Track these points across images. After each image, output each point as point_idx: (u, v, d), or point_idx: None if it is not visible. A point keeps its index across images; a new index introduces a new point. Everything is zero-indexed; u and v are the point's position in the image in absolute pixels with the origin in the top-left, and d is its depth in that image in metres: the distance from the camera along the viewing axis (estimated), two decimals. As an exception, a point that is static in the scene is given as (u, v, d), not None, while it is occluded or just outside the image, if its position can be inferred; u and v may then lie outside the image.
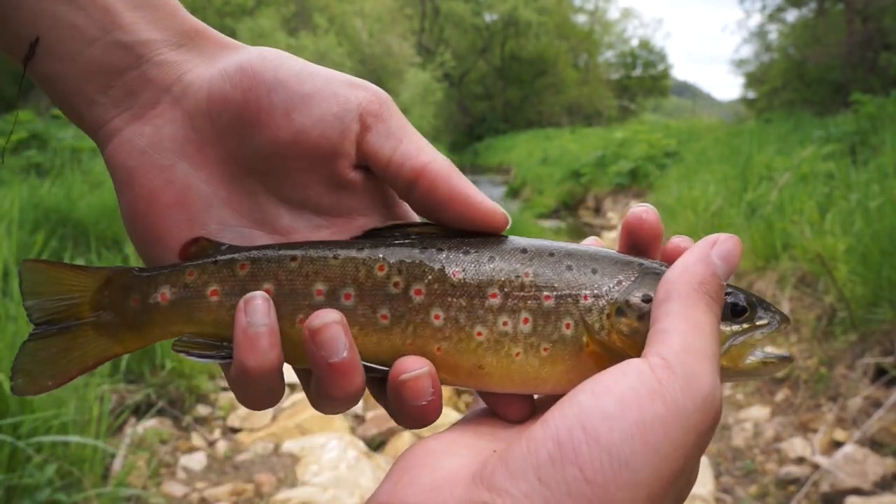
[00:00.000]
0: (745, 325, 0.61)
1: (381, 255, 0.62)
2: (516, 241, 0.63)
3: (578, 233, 11.79)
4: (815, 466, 3.54)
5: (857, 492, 3.25)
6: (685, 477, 0.52)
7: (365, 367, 0.60)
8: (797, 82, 22.04)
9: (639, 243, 0.66)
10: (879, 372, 4.08)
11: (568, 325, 0.60)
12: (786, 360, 0.62)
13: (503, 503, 0.47)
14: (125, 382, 3.95)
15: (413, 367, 0.58)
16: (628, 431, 0.48)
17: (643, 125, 20.97)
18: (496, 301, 0.60)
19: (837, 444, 3.72)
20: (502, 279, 0.60)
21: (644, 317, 0.59)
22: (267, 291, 0.61)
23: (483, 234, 0.63)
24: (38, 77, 0.63)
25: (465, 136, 49.36)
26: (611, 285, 0.61)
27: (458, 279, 0.60)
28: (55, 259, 4.48)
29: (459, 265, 0.61)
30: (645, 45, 56.44)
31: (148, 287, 0.63)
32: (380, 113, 0.63)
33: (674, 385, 0.51)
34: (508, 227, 0.64)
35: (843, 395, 4.12)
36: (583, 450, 0.48)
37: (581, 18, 57.16)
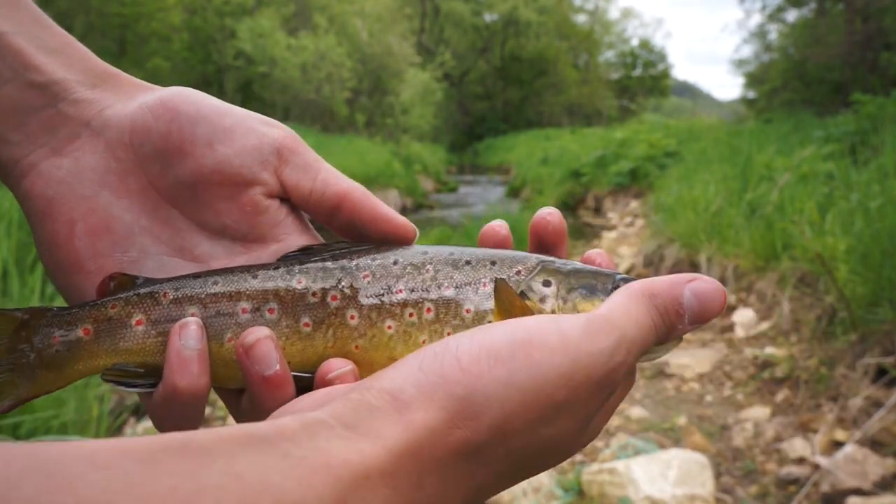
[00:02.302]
0: None
1: (297, 271, 0.67)
2: (419, 247, 0.70)
3: (578, 232, 11.79)
4: (816, 466, 3.54)
5: (858, 492, 3.25)
6: (568, 420, 0.52)
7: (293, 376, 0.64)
8: (797, 82, 22.02)
9: (544, 243, 0.71)
10: (880, 372, 4.08)
11: (468, 311, 0.66)
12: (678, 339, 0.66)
13: (378, 386, 0.48)
14: (125, 382, 3.94)
15: (337, 367, 0.63)
16: (513, 339, 0.50)
17: (643, 125, 20.98)
18: (402, 296, 0.66)
19: (838, 445, 3.72)
20: (406, 277, 0.67)
21: (545, 300, 0.65)
22: (192, 315, 0.65)
23: (388, 245, 0.70)
24: None
25: (465, 136, 49.38)
26: (510, 274, 0.67)
27: (368, 281, 0.67)
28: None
29: (368, 269, 0.68)
30: (645, 44, 56.46)
31: (69, 324, 0.64)
32: (295, 148, 0.68)
33: (574, 325, 0.52)
34: (417, 238, 0.72)
35: (843, 395, 4.12)
36: (465, 344, 0.50)
37: (581, 18, 57.19)
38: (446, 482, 0.47)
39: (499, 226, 0.71)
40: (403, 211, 14.63)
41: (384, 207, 0.69)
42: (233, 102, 0.71)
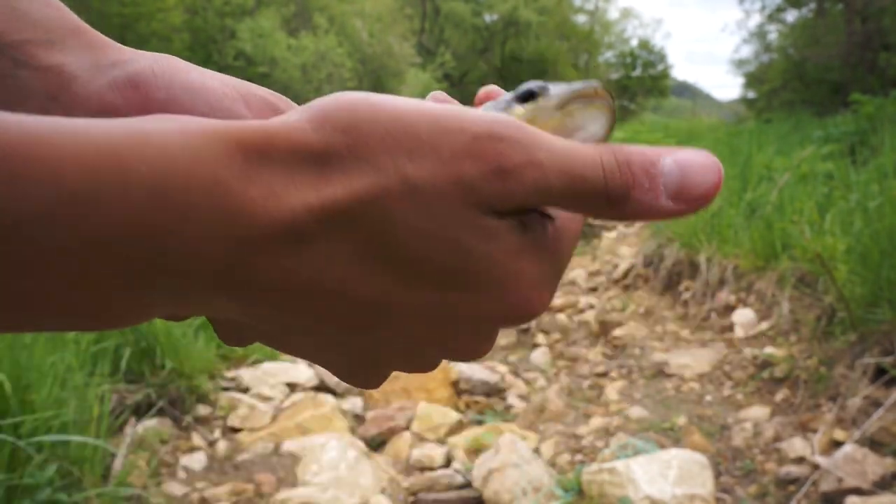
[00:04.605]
0: (531, 106, 0.53)
1: None
2: None
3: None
4: (815, 466, 3.55)
5: (857, 491, 3.26)
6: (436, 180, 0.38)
7: None
8: (796, 82, 21.99)
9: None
10: (879, 372, 4.08)
11: None
12: (590, 86, 0.50)
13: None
14: (125, 382, 3.95)
15: None
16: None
17: (643, 125, 20.95)
18: None
19: (837, 444, 3.72)
20: None
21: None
22: None
23: None
24: None
25: (465, 136, 49.22)
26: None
27: None
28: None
29: None
30: (645, 45, 56.49)
31: None
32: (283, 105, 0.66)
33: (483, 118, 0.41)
34: None
35: (842, 394, 4.13)
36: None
37: (581, 18, 57.24)
38: (293, 177, 0.38)
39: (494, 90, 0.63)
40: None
41: None
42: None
